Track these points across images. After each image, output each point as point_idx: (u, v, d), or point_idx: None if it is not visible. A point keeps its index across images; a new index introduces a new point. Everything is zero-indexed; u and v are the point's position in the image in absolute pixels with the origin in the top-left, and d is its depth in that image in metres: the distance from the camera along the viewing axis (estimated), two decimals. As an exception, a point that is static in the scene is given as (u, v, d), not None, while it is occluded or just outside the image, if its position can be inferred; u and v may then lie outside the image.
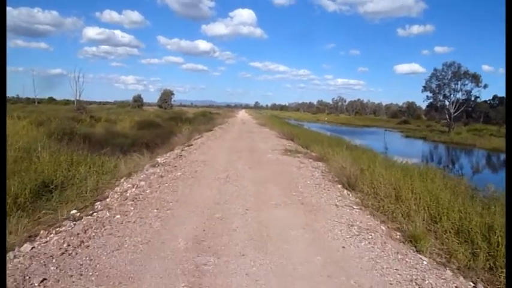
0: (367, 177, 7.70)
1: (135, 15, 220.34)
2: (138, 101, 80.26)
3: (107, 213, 5.13)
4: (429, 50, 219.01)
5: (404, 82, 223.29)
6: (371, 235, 4.75)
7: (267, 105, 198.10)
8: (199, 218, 5.08)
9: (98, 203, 5.80)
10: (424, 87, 45.25)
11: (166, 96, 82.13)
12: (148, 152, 12.48)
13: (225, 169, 9.06)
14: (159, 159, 10.42)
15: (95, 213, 5.12)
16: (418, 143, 34.46)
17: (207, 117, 46.99)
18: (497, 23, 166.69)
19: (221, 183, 7.43)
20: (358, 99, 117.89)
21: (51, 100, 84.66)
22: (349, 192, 7.21)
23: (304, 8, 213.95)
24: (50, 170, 6.98)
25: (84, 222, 4.69)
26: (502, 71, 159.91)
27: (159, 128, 27.13)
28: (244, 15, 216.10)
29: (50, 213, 4.94)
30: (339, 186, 7.83)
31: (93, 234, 4.32)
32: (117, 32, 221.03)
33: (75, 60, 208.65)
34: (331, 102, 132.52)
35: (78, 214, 5.09)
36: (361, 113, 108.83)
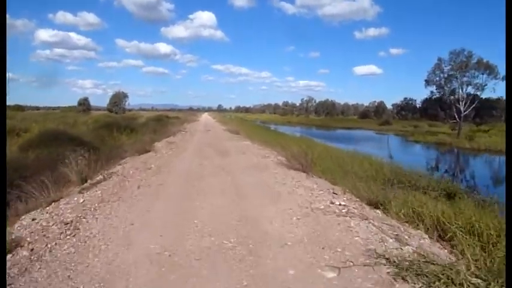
0: None
1: (91, 17, 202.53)
2: (84, 105, 67.41)
3: None
4: (385, 51, 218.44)
5: (363, 83, 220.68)
6: None
7: (230, 108, 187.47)
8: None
9: None
10: (426, 81, 36.50)
11: (117, 99, 69.56)
12: None
13: None
14: None
15: None
16: (454, 153, 25.14)
17: (161, 123, 35.90)
18: (447, 25, 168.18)
19: None
20: (327, 99, 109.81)
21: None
22: None
23: (264, 10, 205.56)
24: None
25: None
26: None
27: (73, 142, 16.14)
28: (204, 17, 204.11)
29: None
30: None
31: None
32: (72, 35, 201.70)
33: (27, 63, 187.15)
34: (297, 104, 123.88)
35: None
36: (332, 114, 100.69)
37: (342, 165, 12.21)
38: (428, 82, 36.25)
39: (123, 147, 14.68)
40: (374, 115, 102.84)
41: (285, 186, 6.77)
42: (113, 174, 7.55)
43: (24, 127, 24.48)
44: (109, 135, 20.69)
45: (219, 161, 9.63)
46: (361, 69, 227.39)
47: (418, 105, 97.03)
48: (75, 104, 69.71)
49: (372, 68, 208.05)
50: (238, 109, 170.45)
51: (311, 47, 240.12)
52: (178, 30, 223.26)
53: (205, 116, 76.60)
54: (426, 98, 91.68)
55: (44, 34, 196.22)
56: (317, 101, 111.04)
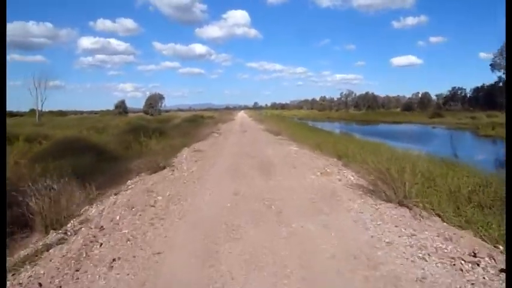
0: None
1: (129, 23, 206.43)
2: (120, 107, 66.91)
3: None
4: (424, 41, 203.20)
5: (402, 74, 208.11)
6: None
7: (266, 105, 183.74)
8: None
9: None
10: (491, 65, 31.25)
11: (152, 101, 68.49)
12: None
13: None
14: None
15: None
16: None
17: (194, 124, 33.36)
18: (489, 9, 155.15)
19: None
20: (368, 92, 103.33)
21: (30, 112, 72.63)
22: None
23: (297, 5, 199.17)
24: None
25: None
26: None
27: (91, 151, 13.71)
28: (238, 16, 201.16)
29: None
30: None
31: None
32: (112, 41, 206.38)
33: (71, 71, 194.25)
34: (335, 98, 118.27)
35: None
36: (373, 107, 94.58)
37: (429, 177, 8.58)
38: (494, 66, 31.02)
39: (142, 158, 11.83)
40: (418, 107, 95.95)
41: (396, 255, 3.38)
42: (84, 222, 4.47)
43: (51, 134, 22.70)
44: (136, 140, 18.15)
45: (262, 186, 6.34)
46: (399, 60, 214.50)
47: (468, 95, 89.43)
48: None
49: (410, 59, 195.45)
50: (274, 106, 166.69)
51: (347, 39, 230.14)
52: (213, 30, 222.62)
53: (241, 115, 73.80)
54: (477, 87, 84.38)
55: (86, 42, 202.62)
56: (356, 95, 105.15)
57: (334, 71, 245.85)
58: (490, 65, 31.00)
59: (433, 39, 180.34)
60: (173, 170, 7.99)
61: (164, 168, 8.16)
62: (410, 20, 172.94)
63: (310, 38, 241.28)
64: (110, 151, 15.02)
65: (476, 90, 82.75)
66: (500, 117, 41.42)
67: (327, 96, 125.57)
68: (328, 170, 7.57)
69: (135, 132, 21.29)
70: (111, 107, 78.39)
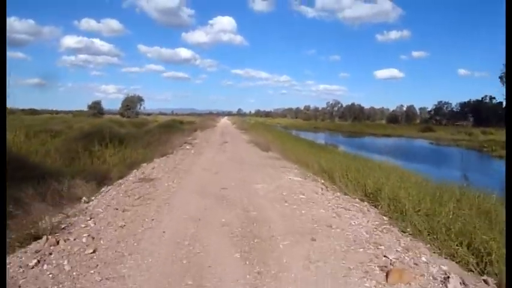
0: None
1: (114, 24, 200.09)
2: (95, 108, 61.71)
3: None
4: (407, 55, 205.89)
5: (384, 87, 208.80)
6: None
7: (250, 112, 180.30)
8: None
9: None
10: (500, 78, 28.25)
11: (130, 103, 63.42)
12: None
13: None
14: None
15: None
16: None
17: (169, 130, 28.98)
18: (471, 26, 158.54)
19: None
20: (354, 103, 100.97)
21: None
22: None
23: (283, 14, 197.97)
24: None
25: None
26: (478, 74, 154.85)
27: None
28: (224, 22, 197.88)
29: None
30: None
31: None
32: (96, 41, 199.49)
33: (54, 69, 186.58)
34: (320, 108, 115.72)
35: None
36: (359, 119, 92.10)
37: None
38: (503, 79, 28.03)
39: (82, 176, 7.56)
40: (404, 120, 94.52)
41: None
42: None
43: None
44: (87, 149, 13.80)
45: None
46: (382, 73, 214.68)
47: (454, 109, 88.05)
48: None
49: (393, 72, 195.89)
50: (258, 113, 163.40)
51: (332, 50, 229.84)
52: (199, 36, 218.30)
53: (224, 121, 69.48)
54: (464, 102, 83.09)
55: (70, 40, 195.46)
56: (343, 105, 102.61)
57: (318, 81, 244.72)
58: (500, 77, 28.16)
59: (415, 53, 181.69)
60: (55, 245, 3.78)
61: (39, 238, 3.91)
62: (394, 34, 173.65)
63: (295, 47, 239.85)
64: (36, 166, 10.73)
65: (463, 105, 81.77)
66: (495, 134, 39.02)
67: (311, 106, 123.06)
68: (389, 257, 3.57)
69: (92, 138, 16.83)
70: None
